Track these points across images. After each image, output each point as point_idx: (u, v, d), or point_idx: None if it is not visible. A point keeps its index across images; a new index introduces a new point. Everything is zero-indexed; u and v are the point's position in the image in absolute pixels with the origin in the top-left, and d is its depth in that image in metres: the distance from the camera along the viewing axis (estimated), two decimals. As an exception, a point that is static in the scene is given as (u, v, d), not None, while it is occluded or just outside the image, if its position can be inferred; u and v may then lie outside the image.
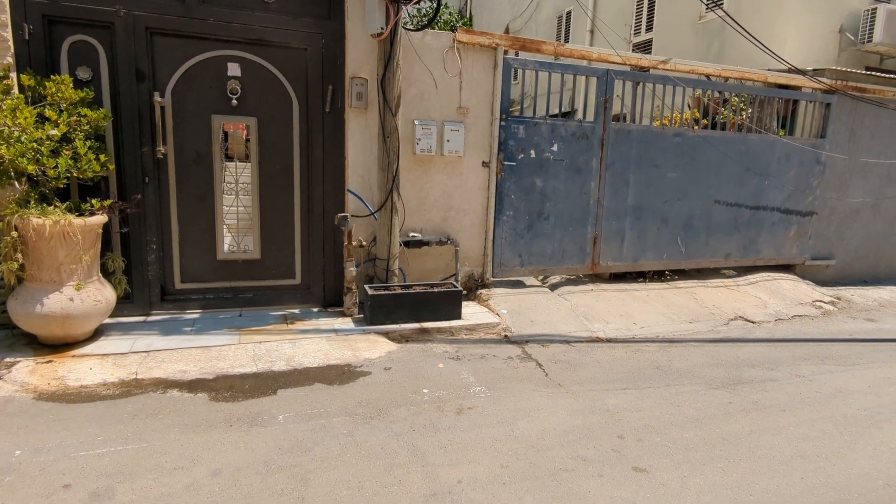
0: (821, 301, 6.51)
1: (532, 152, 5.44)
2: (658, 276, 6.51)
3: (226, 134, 5.16)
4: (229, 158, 5.05)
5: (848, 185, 7.40)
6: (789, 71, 6.61)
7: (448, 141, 5.11)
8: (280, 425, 3.03)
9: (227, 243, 4.83)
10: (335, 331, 4.46)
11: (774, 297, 6.39)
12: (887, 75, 7.66)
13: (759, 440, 3.07)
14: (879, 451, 3.00)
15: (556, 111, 10.04)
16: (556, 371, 3.97)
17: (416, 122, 5.02)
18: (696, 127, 6.28)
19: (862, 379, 4.13)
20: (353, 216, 4.84)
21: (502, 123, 5.29)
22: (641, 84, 5.86)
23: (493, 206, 5.38)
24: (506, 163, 5.36)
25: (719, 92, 6.40)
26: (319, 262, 4.96)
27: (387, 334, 4.46)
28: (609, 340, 4.76)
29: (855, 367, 4.42)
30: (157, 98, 4.36)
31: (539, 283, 5.93)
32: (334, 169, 4.88)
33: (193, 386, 3.47)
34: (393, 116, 4.71)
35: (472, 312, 4.98)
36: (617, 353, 4.43)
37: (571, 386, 3.71)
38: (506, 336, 4.68)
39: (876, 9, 9.21)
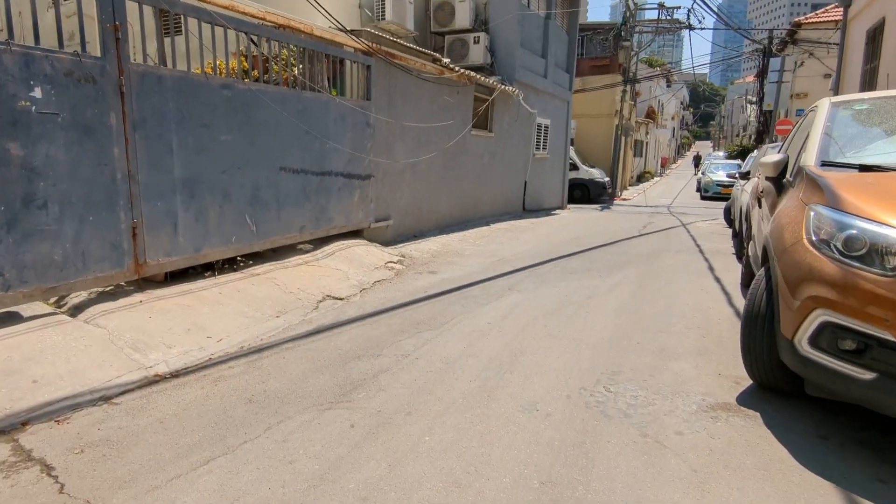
0: (391, 262, 6.60)
1: (-6, 100, 3.29)
2: (230, 265, 5.28)
3: None
4: None
5: (393, 147, 7.77)
6: (332, 28, 6.22)
7: None
8: None
9: None
10: None
11: (353, 265, 6.09)
12: (408, 45, 8.31)
13: (401, 474, 2.33)
14: (514, 438, 2.70)
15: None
16: (83, 471, 2.33)
17: None
18: (246, 80, 5.19)
19: (457, 341, 4.01)
20: None
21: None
22: (169, 15, 4.34)
23: (-77, 194, 3.03)
24: (-62, 117, 3.06)
25: (267, 40, 5.45)
26: None
27: None
28: (174, 374, 3.32)
29: (444, 327, 4.33)
30: None
31: (52, 309, 3.87)
32: None
33: None
34: None
35: None
36: (189, 394, 3.06)
37: (111, 498, 2.18)
38: (-16, 420, 2.66)
39: (385, -12, 10.01)
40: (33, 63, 3.41)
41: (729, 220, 11.48)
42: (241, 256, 5.43)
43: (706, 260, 7.51)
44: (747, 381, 3.32)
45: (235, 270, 5.21)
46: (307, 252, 6.14)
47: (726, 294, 5.56)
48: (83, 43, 3.74)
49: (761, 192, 4.52)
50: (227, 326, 4.06)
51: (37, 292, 3.58)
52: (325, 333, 4.15)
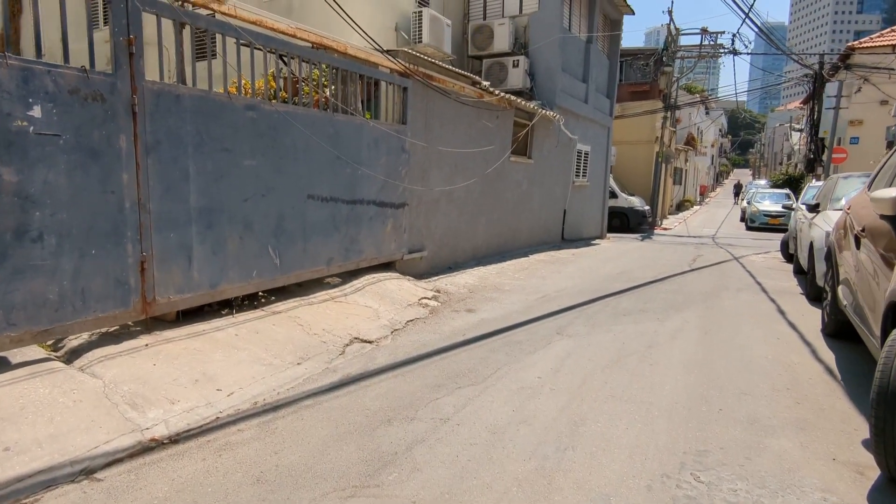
0: (426, 298, 6.07)
1: (-12, 120, 2.92)
2: (250, 301, 4.83)
3: None
4: None
5: (428, 174, 7.31)
6: (368, 48, 5.85)
7: None
8: None
9: None
10: None
11: (384, 302, 5.57)
12: (447, 66, 7.92)
13: None
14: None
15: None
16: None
17: None
18: (273, 101, 4.80)
19: (503, 401, 3.42)
20: None
21: None
22: (189, 28, 3.98)
23: None
24: (-79, 138, 2.69)
25: (297, 59, 5.08)
26: None
27: None
28: (174, 439, 2.82)
29: (487, 382, 3.75)
30: None
31: (46, 354, 3.44)
32: None
33: None
34: None
35: None
36: (187, 469, 2.55)
37: None
38: (-62, 501, 2.20)
39: (421, 12, 9.73)
40: (33, 78, 3.04)
41: (787, 254, 10.63)
42: (263, 292, 4.97)
43: (772, 301, 6.75)
44: (874, 471, 2.64)
45: (255, 307, 4.74)
46: (335, 286, 5.66)
47: (808, 345, 4.83)
48: (91, 58, 3.37)
49: (862, 230, 3.85)
50: (241, 376, 3.56)
51: (27, 336, 3.15)
52: (351, 387, 3.61)
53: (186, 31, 3.99)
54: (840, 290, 4.52)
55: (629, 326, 5.32)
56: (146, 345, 3.66)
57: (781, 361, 4.34)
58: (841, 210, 6.81)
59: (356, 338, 4.57)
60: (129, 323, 3.90)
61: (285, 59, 4.94)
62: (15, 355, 3.24)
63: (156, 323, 4.03)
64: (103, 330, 3.73)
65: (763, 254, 12.12)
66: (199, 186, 4.08)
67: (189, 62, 3.99)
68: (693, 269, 9.41)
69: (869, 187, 4.69)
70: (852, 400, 3.54)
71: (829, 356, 4.48)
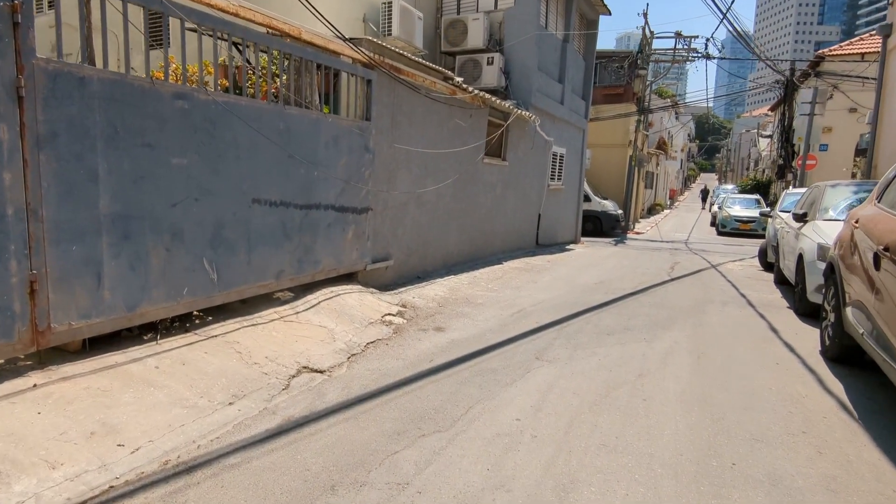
0: (390, 314, 5.44)
1: None
2: (181, 322, 4.12)
3: None
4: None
5: (395, 175, 6.68)
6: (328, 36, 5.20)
7: None
8: None
9: None
10: None
11: (342, 320, 4.93)
12: (417, 60, 7.31)
13: None
14: None
15: None
16: None
17: None
18: (210, 89, 4.11)
19: (476, 455, 2.83)
20: None
21: None
22: (99, -3, 3.27)
23: None
24: None
25: (242, 42, 4.39)
26: None
27: None
28: (43, 528, 2.14)
29: (456, 426, 3.16)
30: None
31: None
32: None
33: None
34: None
35: None
36: (47, 582, 1.88)
37: None
38: None
39: (391, 3, 9.11)
40: None
41: (765, 262, 10.35)
42: (198, 312, 4.27)
43: (762, 316, 6.34)
44: (932, 556, 2.13)
45: (188, 330, 4.05)
46: (286, 302, 4.99)
47: (812, 372, 4.37)
48: (-42, 24, 2.66)
49: (885, 249, 3.38)
50: (154, 424, 2.88)
51: None
52: (291, 435, 2.97)
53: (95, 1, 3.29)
54: (850, 313, 4.06)
55: (614, 349, 4.80)
56: (34, 385, 2.94)
57: (788, 394, 3.86)
58: (832, 220, 6.47)
59: (305, 367, 3.92)
60: (21, 356, 3.18)
61: (228, 41, 4.26)
62: None
63: (55, 355, 3.30)
64: (-19, 367, 3.00)
65: (739, 261, 11.84)
66: (111, 189, 3.37)
67: (98, 37, 3.29)
68: (673, 279, 9.00)
69: (879, 199, 4.27)
70: (879, 447, 3.06)
71: (838, 387, 4.03)
